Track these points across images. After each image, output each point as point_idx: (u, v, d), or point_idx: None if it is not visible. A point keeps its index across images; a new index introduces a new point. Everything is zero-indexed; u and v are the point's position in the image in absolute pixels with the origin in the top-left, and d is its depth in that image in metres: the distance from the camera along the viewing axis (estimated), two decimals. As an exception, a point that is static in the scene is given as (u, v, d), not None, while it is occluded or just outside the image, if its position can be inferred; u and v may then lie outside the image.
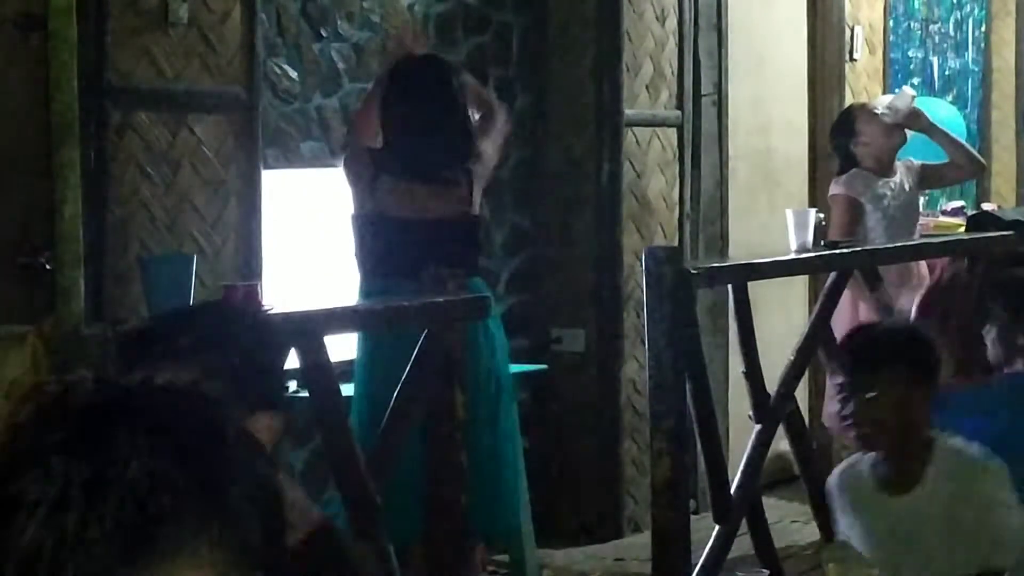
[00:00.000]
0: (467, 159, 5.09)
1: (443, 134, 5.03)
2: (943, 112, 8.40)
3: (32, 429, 1.24)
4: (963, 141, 6.95)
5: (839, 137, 6.64)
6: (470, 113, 5.17)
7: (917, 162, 6.69)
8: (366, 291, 5.00)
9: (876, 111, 6.62)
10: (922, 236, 6.70)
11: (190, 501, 1.21)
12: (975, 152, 6.98)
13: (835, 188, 6.59)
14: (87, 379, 1.28)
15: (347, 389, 4.59)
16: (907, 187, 6.58)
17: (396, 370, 4.43)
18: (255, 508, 1.26)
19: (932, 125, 6.69)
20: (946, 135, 6.72)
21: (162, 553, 1.20)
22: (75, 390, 1.27)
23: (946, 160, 6.70)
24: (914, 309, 5.41)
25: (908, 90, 7.00)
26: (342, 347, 4.81)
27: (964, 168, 6.72)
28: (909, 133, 6.80)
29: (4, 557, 1.19)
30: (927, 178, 6.69)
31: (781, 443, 5.63)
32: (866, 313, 6.18)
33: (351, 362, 5.21)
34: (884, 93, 7.63)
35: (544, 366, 6.35)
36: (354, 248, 5.09)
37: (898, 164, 6.63)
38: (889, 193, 6.50)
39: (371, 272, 5.03)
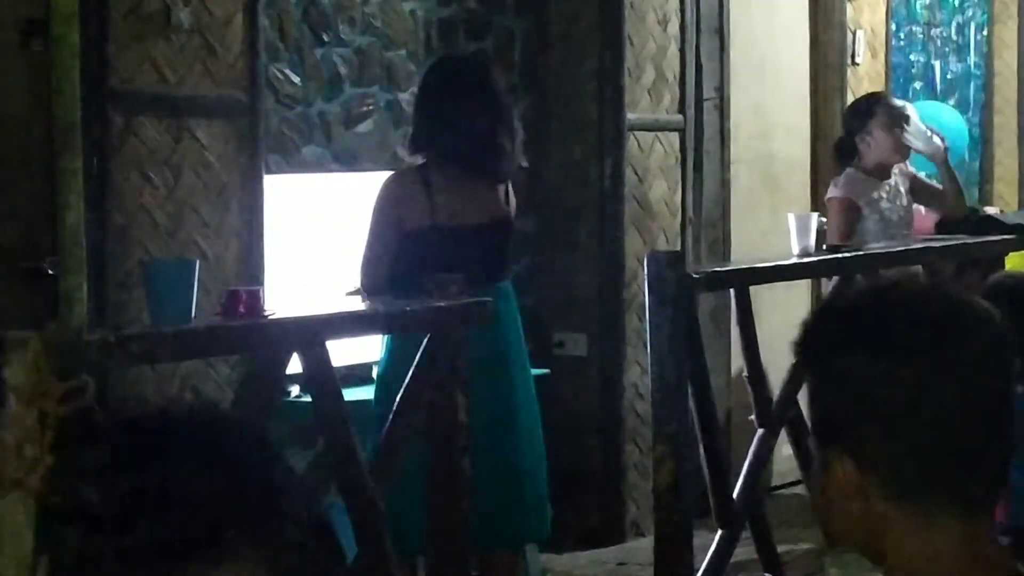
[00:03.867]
0: (507, 156, 5.00)
1: (488, 126, 4.94)
2: (946, 116, 8.40)
3: (92, 445, 1.33)
4: (961, 184, 6.92)
5: (852, 121, 6.59)
6: (515, 117, 5.10)
7: (910, 168, 6.69)
8: None
9: (903, 127, 6.50)
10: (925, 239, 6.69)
11: (239, 521, 1.30)
12: (964, 198, 6.90)
13: (832, 192, 6.59)
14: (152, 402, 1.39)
15: (349, 394, 4.58)
16: (902, 190, 6.57)
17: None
18: (302, 537, 1.34)
19: (947, 162, 6.68)
20: (952, 173, 6.72)
21: (211, 563, 1.29)
22: (137, 410, 1.37)
23: (935, 184, 6.67)
24: None
25: (938, 142, 6.82)
26: (343, 351, 4.81)
27: (948, 205, 6.67)
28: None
29: (65, 566, 1.28)
30: (915, 191, 6.66)
31: (784, 447, 5.63)
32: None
33: (353, 366, 5.21)
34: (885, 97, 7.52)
35: (546, 370, 6.34)
36: (390, 266, 4.88)
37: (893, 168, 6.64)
38: (885, 196, 6.50)
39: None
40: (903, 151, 6.51)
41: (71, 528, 1.31)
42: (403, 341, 4.70)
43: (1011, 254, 6.61)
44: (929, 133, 6.66)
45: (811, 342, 1.77)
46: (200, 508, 1.29)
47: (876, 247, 6.14)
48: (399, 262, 4.89)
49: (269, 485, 1.34)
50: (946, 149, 6.69)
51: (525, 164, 5.22)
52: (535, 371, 6.27)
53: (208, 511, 1.29)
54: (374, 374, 5.60)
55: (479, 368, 4.51)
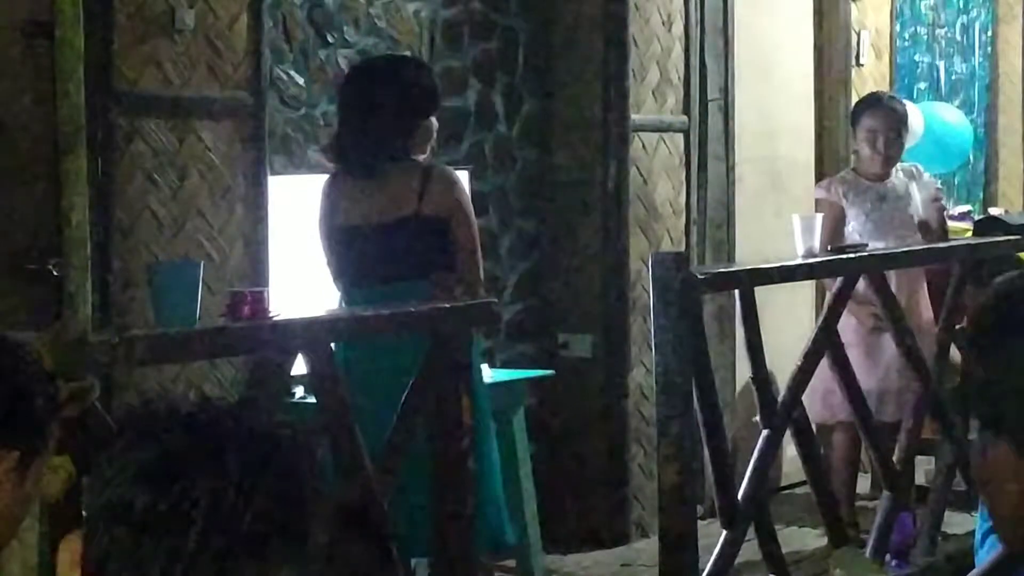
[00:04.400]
0: (400, 152, 4.92)
1: (373, 126, 4.90)
2: (951, 117, 8.39)
3: (144, 446, 1.38)
4: (947, 227, 6.92)
5: (855, 118, 6.62)
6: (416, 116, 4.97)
7: (934, 185, 6.67)
8: (347, 302, 4.93)
9: (877, 145, 6.49)
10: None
11: (283, 527, 1.35)
12: (945, 236, 6.86)
13: (817, 193, 6.63)
14: (193, 401, 1.43)
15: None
16: (901, 193, 6.53)
17: (372, 378, 4.49)
18: (331, 544, 1.39)
19: (943, 219, 6.71)
20: (946, 228, 6.73)
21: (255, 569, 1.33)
22: (183, 411, 1.40)
23: (929, 212, 6.64)
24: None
25: (934, 208, 6.81)
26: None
27: (929, 233, 6.62)
28: (915, 135, 6.79)
29: (112, 564, 1.33)
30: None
31: (789, 448, 5.63)
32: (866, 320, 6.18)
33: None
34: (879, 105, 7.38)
35: (551, 371, 6.34)
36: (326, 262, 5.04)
37: (905, 167, 6.62)
38: (874, 197, 6.47)
39: (346, 282, 4.96)
40: (884, 165, 6.50)
41: (119, 527, 1.34)
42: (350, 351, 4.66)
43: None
44: (932, 198, 6.64)
45: (979, 326, 1.79)
46: (247, 513, 1.32)
47: (881, 248, 6.14)
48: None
49: (311, 494, 1.37)
50: (941, 207, 6.71)
51: (418, 158, 5.01)
52: (540, 372, 6.28)
53: (255, 516, 1.33)
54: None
55: (391, 375, 4.45)
